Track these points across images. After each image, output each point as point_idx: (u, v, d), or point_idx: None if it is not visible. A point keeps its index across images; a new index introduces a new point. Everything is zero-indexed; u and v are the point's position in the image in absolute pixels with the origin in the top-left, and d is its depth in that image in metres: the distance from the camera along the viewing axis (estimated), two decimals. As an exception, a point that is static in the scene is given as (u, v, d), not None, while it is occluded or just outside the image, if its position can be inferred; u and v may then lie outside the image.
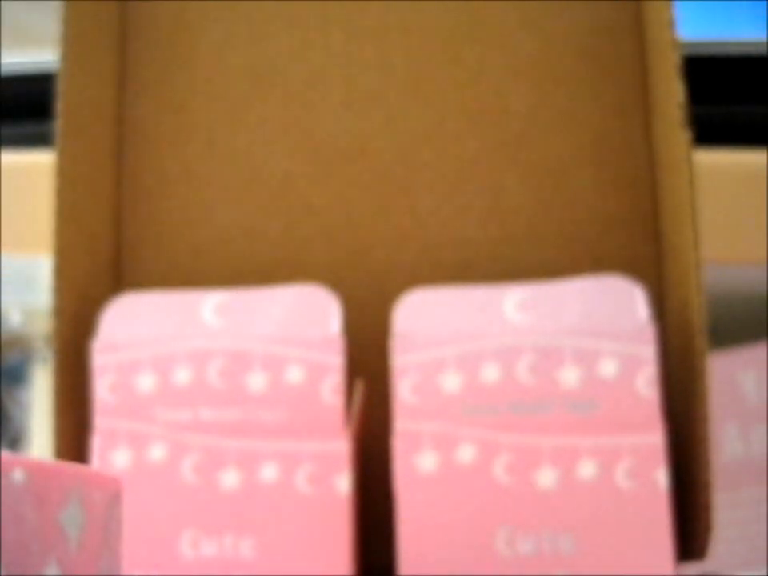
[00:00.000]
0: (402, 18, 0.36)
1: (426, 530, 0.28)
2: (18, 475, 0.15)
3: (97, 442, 0.29)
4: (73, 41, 0.33)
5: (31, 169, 0.45)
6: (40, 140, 0.39)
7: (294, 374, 0.29)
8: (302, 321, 0.30)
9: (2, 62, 0.50)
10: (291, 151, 0.36)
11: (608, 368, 0.28)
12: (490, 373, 0.28)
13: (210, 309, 0.30)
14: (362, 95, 0.36)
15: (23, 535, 0.15)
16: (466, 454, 0.28)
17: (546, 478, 0.28)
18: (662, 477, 0.27)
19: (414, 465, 0.28)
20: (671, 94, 0.30)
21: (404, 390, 0.29)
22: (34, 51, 0.50)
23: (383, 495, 0.29)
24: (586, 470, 0.27)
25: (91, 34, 0.35)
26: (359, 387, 0.30)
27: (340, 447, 0.28)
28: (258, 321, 0.30)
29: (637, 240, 0.34)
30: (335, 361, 0.29)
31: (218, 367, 0.29)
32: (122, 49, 0.37)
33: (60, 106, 0.32)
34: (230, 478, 0.28)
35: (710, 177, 0.35)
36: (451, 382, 0.29)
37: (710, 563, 0.30)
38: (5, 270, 0.49)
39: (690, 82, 0.29)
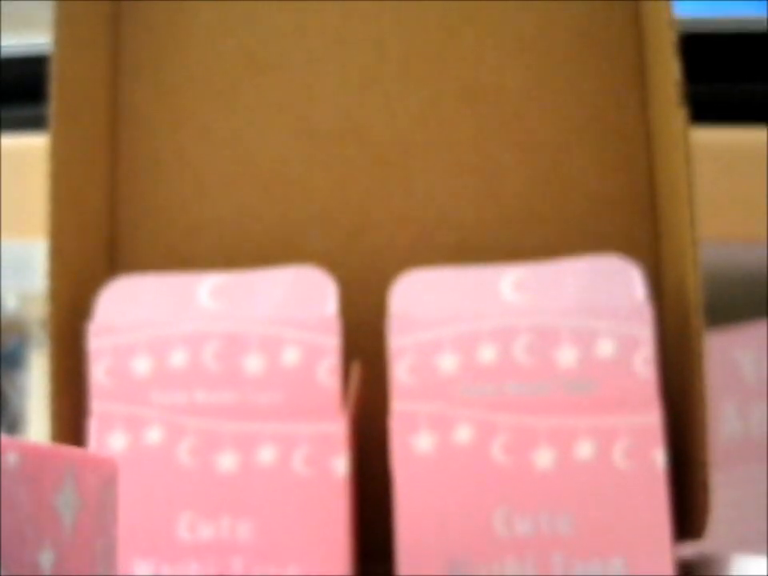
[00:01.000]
0: (398, -3, 0.36)
1: (424, 510, 0.28)
2: (11, 458, 0.15)
3: (93, 426, 0.29)
4: (66, 24, 0.33)
5: (27, 152, 0.45)
6: (36, 123, 0.38)
7: (291, 356, 0.29)
8: (298, 302, 0.30)
9: (-1, 45, 0.49)
10: (286, 133, 0.36)
11: (605, 348, 0.28)
12: (487, 353, 0.28)
13: (205, 291, 0.30)
14: (358, 76, 0.36)
15: (17, 518, 0.15)
16: (463, 434, 0.28)
17: (544, 458, 0.28)
18: (659, 456, 0.27)
19: (411, 445, 0.28)
20: (668, 72, 0.30)
21: (401, 371, 0.29)
22: (29, 34, 0.50)
23: (380, 476, 0.29)
24: (584, 450, 0.27)
25: (84, 17, 0.35)
26: (356, 369, 0.30)
27: (337, 429, 0.28)
28: (254, 303, 0.30)
29: (633, 219, 0.34)
30: (331, 342, 0.29)
31: (214, 350, 0.29)
32: (116, 31, 0.37)
33: (54, 89, 0.32)
34: (226, 461, 0.28)
35: (709, 155, 0.35)
36: (448, 362, 0.28)
37: (707, 542, 0.30)
38: (1, 255, 0.49)
39: (688, 59, 0.29)
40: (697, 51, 0.33)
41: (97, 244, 0.35)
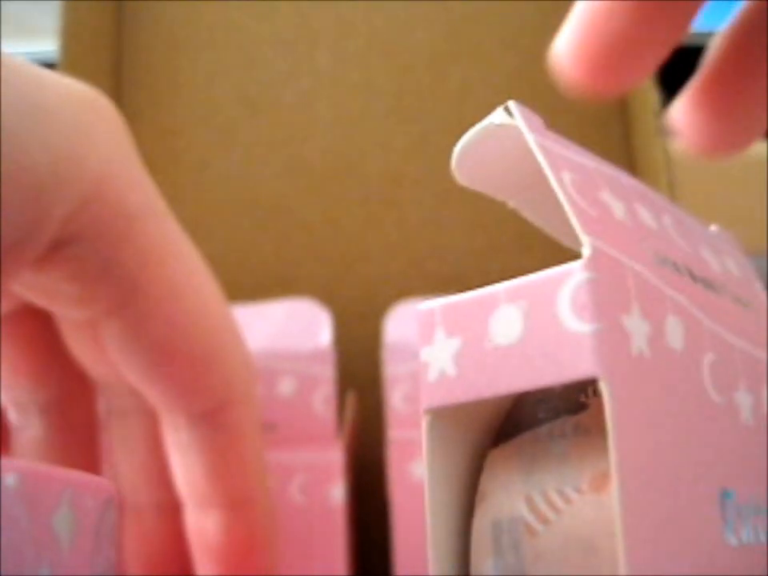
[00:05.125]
0: (387, 40, 0.37)
1: (422, 537, 0.28)
2: (10, 479, 0.15)
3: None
4: (68, 70, 0.33)
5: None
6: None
7: (286, 387, 0.29)
8: (293, 334, 0.30)
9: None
10: (282, 171, 0.36)
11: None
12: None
13: (202, 325, 0.31)
14: (350, 115, 0.37)
15: (17, 539, 0.15)
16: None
17: None
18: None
19: (409, 473, 0.28)
20: (647, 104, 0.30)
21: (396, 400, 0.29)
22: (32, 43, 0.50)
23: (375, 504, 0.29)
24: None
25: (87, 64, 0.35)
26: (351, 398, 0.30)
27: (333, 458, 0.28)
28: (249, 335, 0.30)
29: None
30: (326, 373, 0.29)
31: (211, 381, 0.29)
32: (117, 73, 0.38)
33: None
34: (225, 490, 0.29)
35: (708, 167, 0.35)
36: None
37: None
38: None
39: (688, 72, 0.30)
40: (697, 64, 0.33)
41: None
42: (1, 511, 0.15)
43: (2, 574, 0.15)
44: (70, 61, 0.34)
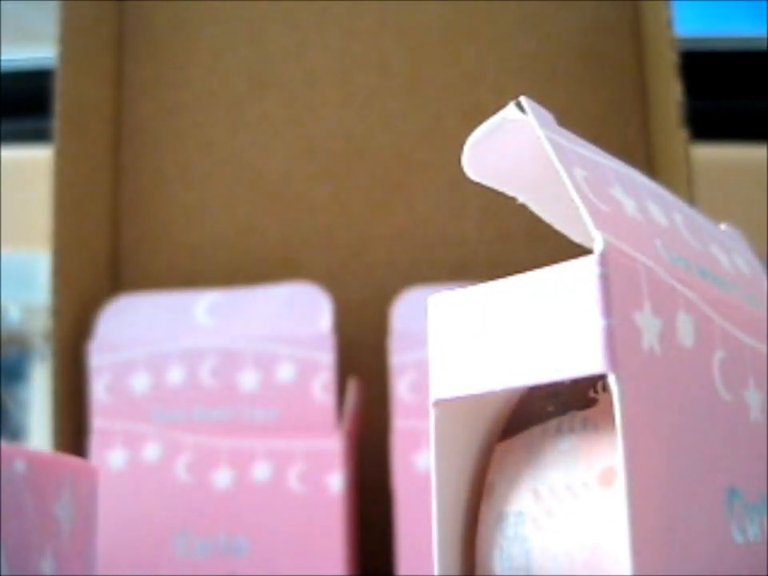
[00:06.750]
0: (400, 17, 0.36)
1: (425, 527, 0.28)
2: (19, 466, 0.15)
3: (93, 442, 0.29)
4: (71, 41, 0.33)
5: (29, 164, 0.45)
6: (39, 136, 0.39)
7: (285, 372, 0.29)
8: (293, 319, 0.29)
9: (2, 58, 0.50)
10: (289, 151, 0.36)
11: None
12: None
13: (202, 308, 0.30)
14: (360, 95, 0.36)
15: (24, 527, 0.15)
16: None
17: None
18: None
19: (413, 462, 0.28)
20: (669, 92, 0.30)
21: (402, 389, 0.29)
22: (32, 48, 0.50)
23: (378, 494, 0.29)
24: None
25: (89, 34, 0.35)
26: (352, 385, 0.30)
27: (332, 446, 0.28)
28: (250, 319, 0.30)
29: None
30: (326, 358, 0.29)
31: (210, 366, 0.29)
32: (120, 49, 0.37)
33: (58, 106, 0.32)
34: (223, 478, 0.28)
35: (709, 171, 0.35)
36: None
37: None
38: (4, 267, 0.49)
39: (690, 77, 0.29)
40: (700, 69, 0.33)
41: (100, 261, 0.35)
42: (9, 498, 0.15)
43: (11, 565, 0.15)
44: (70, 34, 0.33)
